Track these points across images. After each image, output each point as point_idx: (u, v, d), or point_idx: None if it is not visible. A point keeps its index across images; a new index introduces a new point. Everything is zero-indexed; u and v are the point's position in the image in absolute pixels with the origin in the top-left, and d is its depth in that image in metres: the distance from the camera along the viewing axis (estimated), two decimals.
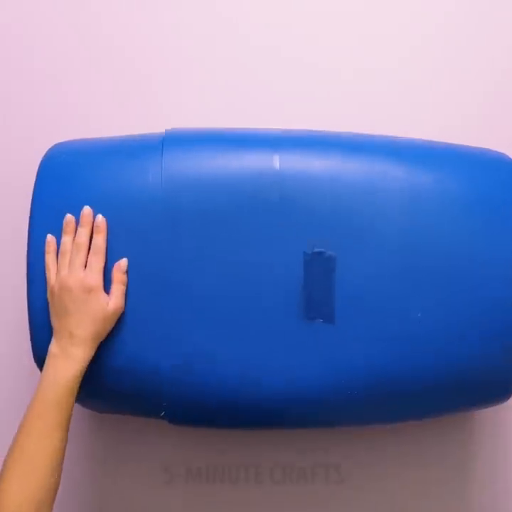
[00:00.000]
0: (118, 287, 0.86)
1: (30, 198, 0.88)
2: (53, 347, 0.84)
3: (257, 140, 0.90)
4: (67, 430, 0.81)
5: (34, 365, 0.89)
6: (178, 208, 0.85)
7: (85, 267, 0.86)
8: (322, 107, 1.05)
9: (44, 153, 0.91)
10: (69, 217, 0.87)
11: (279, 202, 0.85)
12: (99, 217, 0.86)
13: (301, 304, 0.84)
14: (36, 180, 0.88)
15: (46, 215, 0.87)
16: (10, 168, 1.05)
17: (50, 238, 0.87)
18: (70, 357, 0.82)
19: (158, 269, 0.85)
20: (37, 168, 0.89)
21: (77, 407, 0.91)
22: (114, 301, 0.85)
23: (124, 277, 0.86)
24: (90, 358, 0.84)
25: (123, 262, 0.87)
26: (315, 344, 0.85)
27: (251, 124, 0.99)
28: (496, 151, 0.92)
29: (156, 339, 0.85)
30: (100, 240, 0.86)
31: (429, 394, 0.86)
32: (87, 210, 0.87)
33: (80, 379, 0.83)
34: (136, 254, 0.86)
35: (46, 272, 0.87)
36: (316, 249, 0.84)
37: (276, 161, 0.86)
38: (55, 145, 0.92)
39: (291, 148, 0.89)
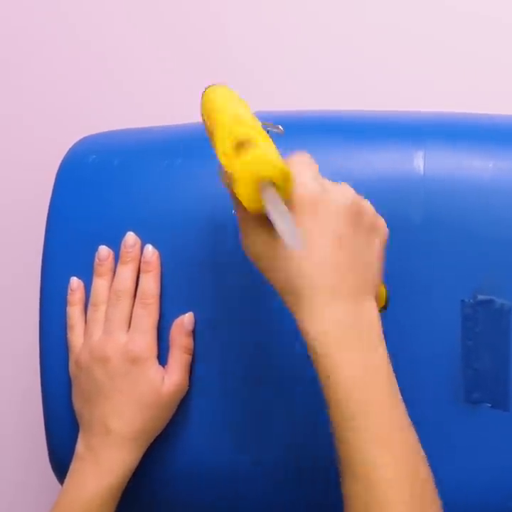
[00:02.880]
0: (179, 356, 0.74)
1: (45, 218, 0.79)
2: (80, 447, 0.73)
3: (385, 128, 0.76)
4: None
5: (51, 472, 0.80)
6: None
7: (129, 326, 0.75)
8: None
9: (65, 151, 0.82)
10: (104, 250, 0.76)
11: (422, 224, 0.72)
12: (149, 249, 0.75)
13: (458, 380, 0.72)
14: (54, 191, 0.80)
15: (67, 244, 0.77)
16: (17, 175, 0.98)
17: (74, 282, 0.77)
18: (105, 462, 0.71)
19: (241, 325, 0.74)
20: (55, 173, 0.80)
21: None
22: (173, 376, 0.73)
23: (189, 341, 0.74)
24: (136, 462, 0.72)
25: (187, 318, 0.74)
26: (480, 440, 0.72)
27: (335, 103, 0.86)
28: None
29: (237, 433, 0.74)
30: (151, 284, 0.74)
31: None
32: (131, 237, 0.75)
33: (119, 493, 0.72)
34: (206, 303, 0.75)
35: (69, 333, 0.76)
36: (481, 297, 0.72)
37: (419, 162, 0.72)
38: (80, 140, 0.84)
39: (442, 141, 0.73)
